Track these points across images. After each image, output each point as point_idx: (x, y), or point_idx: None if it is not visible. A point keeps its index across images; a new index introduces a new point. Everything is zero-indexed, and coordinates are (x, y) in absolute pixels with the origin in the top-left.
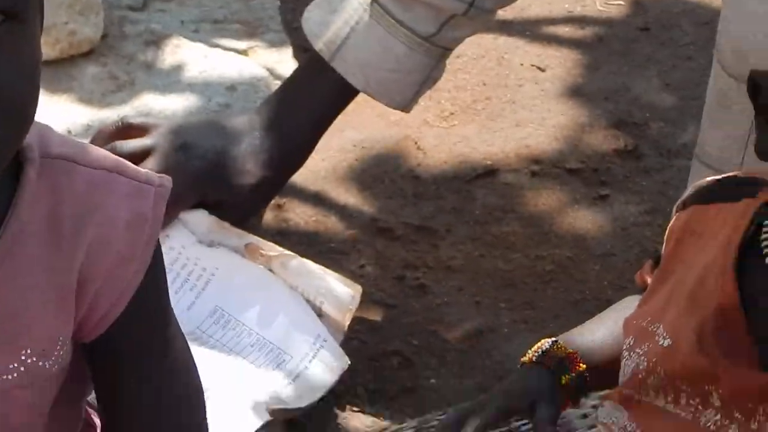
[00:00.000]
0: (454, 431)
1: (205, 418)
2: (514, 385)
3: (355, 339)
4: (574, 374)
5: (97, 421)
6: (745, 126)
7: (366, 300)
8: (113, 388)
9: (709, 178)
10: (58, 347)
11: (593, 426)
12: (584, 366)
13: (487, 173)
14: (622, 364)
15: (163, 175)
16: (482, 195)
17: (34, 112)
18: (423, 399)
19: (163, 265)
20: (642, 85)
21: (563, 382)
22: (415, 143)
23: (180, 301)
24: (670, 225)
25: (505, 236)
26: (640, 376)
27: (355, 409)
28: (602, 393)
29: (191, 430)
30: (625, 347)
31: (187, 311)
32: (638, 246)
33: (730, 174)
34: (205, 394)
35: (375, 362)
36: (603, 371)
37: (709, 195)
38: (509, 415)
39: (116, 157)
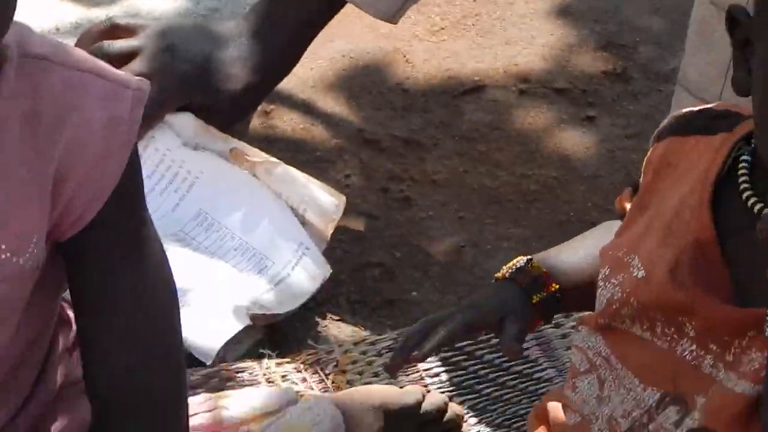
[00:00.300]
0: (419, 340)
1: (179, 320)
2: (484, 300)
3: (337, 248)
4: (546, 294)
5: (72, 316)
6: (726, 55)
7: (350, 210)
8: (88, 288)
9: (686, 110)
10: (33, 244)
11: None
12: (557, 286)
13: (475, 89)
14: (598, 293)
15: (142, 78)
16: (470, 111)
17: (13, 14)
18: (404, 312)
19: (140, 169)
20: (632, 7)
21: (535, 300)
22: (404, 56)
23: (164, 202)
24: (647, 155)
25: (491, 153)
26: (614, 306)
27: (335, 318)
28: (579, 316)
29: (165, 330)
30: (600, 277)
31: (171, 212)
32: (624, 169)
33: (708, 106)
34: (186, 296)
35: (357, 273)
36: (579, 292)
37: (686, 126)
38: (477, 329)
39: (95, 58)
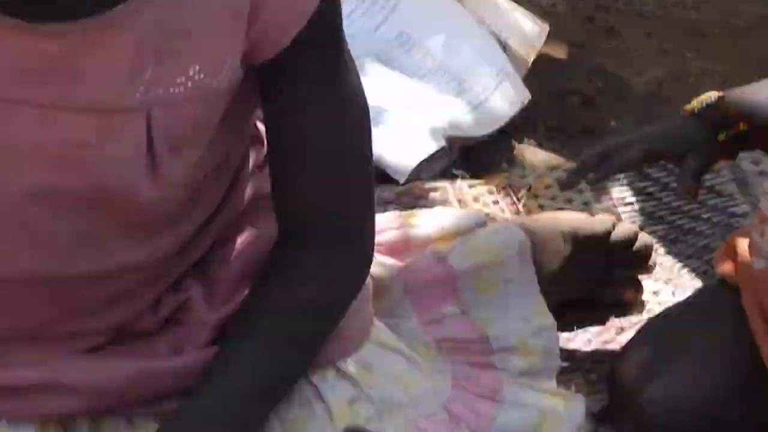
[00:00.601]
0: (598, 163)
1: (371, 143)
2: (669, 131)
3: (538, 75)
4: (732, 133)
5: (264, 133)
6: None
7: (552, 38)
8: (281, 110)
9: None
10: (227, 66)
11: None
12: (745, 127)
13: None
14: None
15: None
16: None
17: None
18: (601, 140)
19: None
20: None
21: (720, 138)
22: None
23: (367, 23)
24: None
25: None
26: None
27: (532, 143)
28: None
29: (355, 152)
30: None
31: (374, 32)
32: None
33: None
34: (382, 115)
35: (556, 100)
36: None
37: None
38: (656, 159)
39: None
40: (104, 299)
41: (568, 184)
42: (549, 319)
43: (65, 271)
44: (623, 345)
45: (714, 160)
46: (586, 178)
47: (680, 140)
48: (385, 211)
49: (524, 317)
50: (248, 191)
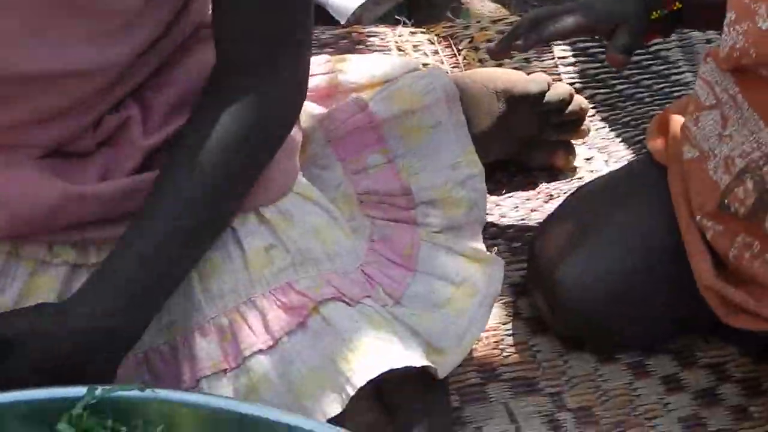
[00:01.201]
0: (527, 30)
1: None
2: (602, 4)
3: None
4: (666, 11)
5: None
6: None
7: None
8: None
9: None
10: None
11: None
12: (680, 5)
13: None
14: (722, 38)
15: None
16: None
17: None
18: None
19: None
20: None
21: (653, 16)
22: None
23: None
24: None
25: None
26: (735, 54)
27: None
28: (708, 49)
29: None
30: (725, 22)
31: None
32: None
33: None
34: None
35: None
36: (704, 10)
37: None
38: (588, 32)
39: None
40: (51, 109)
41: (496, 51)
42: (477, 167)
43: (15, 68)
44: (546, 217)
45: (645, 38)
46: (515, 46)
47: (612, 14)
48: (320, 54)
49: (452, 164)
50: (197, 16)
